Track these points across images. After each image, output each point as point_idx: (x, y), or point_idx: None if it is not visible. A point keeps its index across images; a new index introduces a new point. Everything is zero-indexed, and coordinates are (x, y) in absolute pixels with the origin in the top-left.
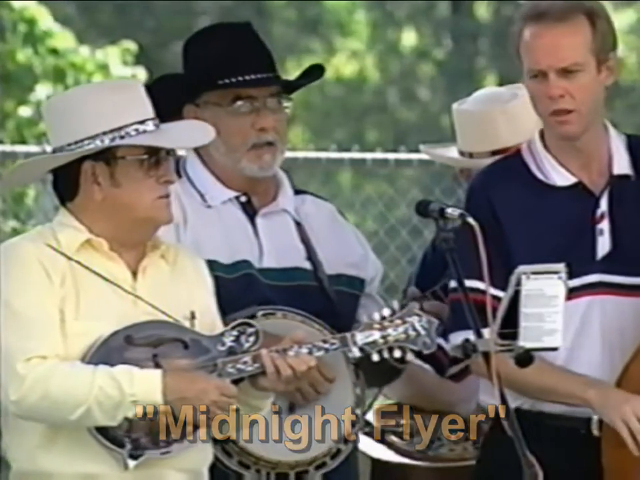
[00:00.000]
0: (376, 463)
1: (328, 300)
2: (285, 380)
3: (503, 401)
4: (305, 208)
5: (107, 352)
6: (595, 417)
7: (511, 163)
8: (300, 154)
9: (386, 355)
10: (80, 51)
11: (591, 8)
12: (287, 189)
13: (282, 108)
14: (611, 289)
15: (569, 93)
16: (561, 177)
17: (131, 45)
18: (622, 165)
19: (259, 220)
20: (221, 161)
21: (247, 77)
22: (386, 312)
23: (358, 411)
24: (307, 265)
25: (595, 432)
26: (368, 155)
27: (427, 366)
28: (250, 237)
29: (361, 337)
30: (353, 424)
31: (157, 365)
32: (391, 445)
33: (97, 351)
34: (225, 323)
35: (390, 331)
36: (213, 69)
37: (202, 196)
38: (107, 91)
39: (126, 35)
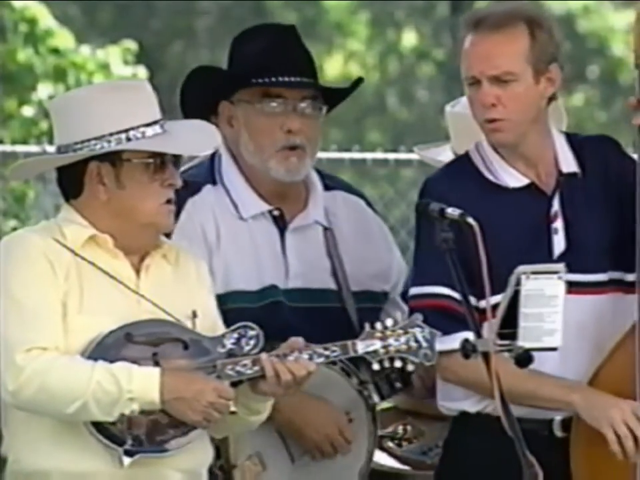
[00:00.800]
0: (372, 471)
1: (349, 323)
2: (285, 385)
3: (503, 401)
4: (335, 208)
5: (107, 348)
6: (558, 418)
7: (462, 165)
8: None
9: (387, 364)
10: (81, 51)
11: (533, 17)
12: (317, 192)
13: (315, 114)
14: (570, 287)
15: (502, 101)
16: (512, 179)
17: (132, 45)
18: (569, 163)
19: (288, 236)
20: (250, 161)
21: (280, 78)
22: (389, 322)
23: (370, 451)
24: (332, 284)
25: (558, 433)
26: (368, 155)
27: None
28: (277, 255)
29: (362, 346)
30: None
31: (156, 364)
32: (388, 452)
33: (97, 346)
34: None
35: (391, 341)
36: (248, 67)
37: (235, 207)
38: (115, 91)
39: (127, 34)
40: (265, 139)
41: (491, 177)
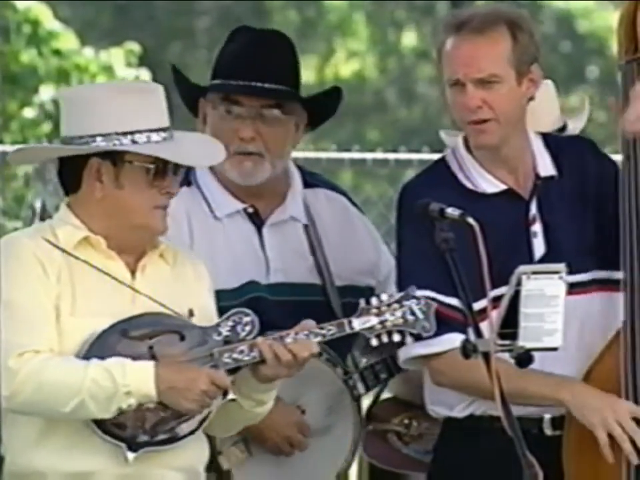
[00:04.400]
0: (373, 471)
1: (334, 317)
2: (286, 365)
3: (503, 401)
4: (317, 205)
5: (103, 345)
6: (547, 416)
7: (438, 171)
8: (300, 154)
9: (385, 339)
10: (84, 52)
11: (514, 19)
12: (296, 188)
13: (279, 120)
14: None
15: (487, 103)
16: (489, 184)
17: (135, 47)
18: (546, 166)
19: (265, 231)
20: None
21: (241, 82)
22: (384, 296)
23: (355, 441)
24: (316, 279)
25: (547, 431)
26: (368, 155)
27: None
28: (256, 252)
29: (358, 323)
30: (353, 452)
31: (153, 357)
32: (391, 447)
33: (93, 344)
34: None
35: (388, 315)
36: (215, 68)
37: (209, 206)
38: (128, 92)
39: (126, 35)
40: (221, 142)
41: (467, 184)
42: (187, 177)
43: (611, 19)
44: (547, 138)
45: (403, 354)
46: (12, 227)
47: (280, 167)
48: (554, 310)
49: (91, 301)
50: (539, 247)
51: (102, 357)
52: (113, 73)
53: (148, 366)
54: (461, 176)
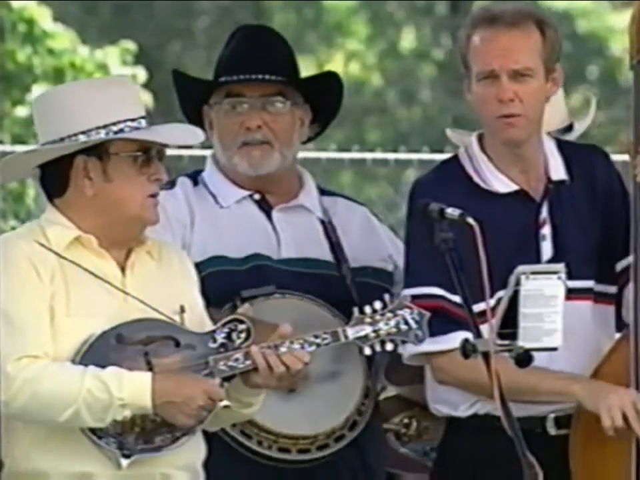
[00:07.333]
0: None
1: (348, 291)
2: (278, 376)
3: (503, 401)
4: (336, 209)
5: (98, 351)
6: (551, 416)
7: (451, 168)
8: (300, 154)
9: (378, 348)
10: (79, 51)
11: (541, 17)
12: (310, 190)
13: (283, 109)
14: None
15: (519, 97)
16: (501, 184)
17: (131, 45)
18: (559, 170)
19: (275, 214)
20: (221, 161)
21: (242, 77)
22: (377, 305)
23: (366, 401)
24: (330, 258)
25: (551, 431)
26: (368, 155)
27: None
28: (267, 231)
29: (352, 332)
30: (366, 395)
31: (148, 364)
32: (388, 446)
33: (89, 349)
34: (212, 318)
35: (381, 325)
36: (216, 69)
37: (215, 198)
38: (100, 87)
39: (125, 34)
40: (228, 137)
41: (480, 182)
42: (194, 177)
43: (610, 19)
44: (560, 142)
45: (407, 350)
46: (10, 226)
47: (290, 158)
48: (553, 310)
49: (85, 301)
50: (546, 250)
51: (97, 363)
52: (108, 72)
53: (145, 378)
54: (473, 174)
